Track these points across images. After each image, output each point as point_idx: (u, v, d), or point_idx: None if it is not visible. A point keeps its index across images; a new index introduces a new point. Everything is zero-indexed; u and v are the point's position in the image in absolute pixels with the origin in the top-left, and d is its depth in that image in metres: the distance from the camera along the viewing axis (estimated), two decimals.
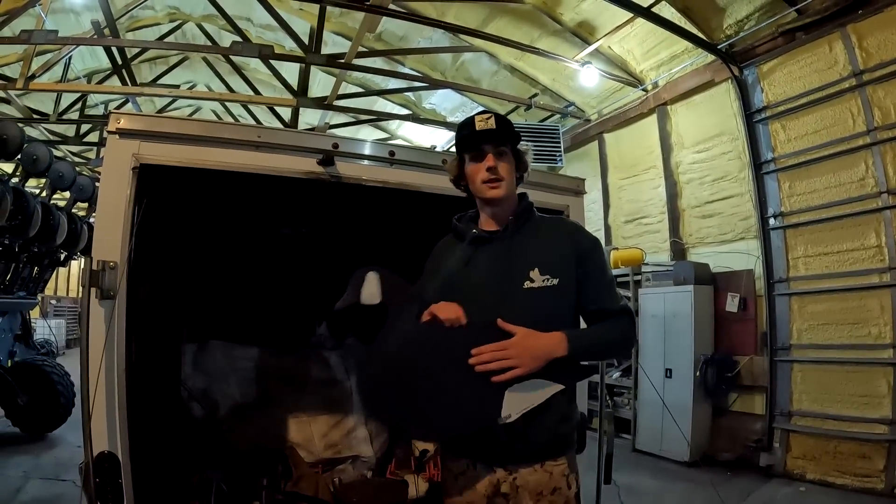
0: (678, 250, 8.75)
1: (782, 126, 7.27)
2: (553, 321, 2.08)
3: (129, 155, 2.35)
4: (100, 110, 12.62)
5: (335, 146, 2.63)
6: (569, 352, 2.02)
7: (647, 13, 7.33)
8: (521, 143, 2.27)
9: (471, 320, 2.08)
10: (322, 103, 10.09)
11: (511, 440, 2.09)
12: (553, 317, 2.10)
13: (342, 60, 8.76)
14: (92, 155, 14.37)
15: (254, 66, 12.07)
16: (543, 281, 2.11)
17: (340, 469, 4.03)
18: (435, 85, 10.67)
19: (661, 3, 7.31)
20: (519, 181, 2.30)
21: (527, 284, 2.11)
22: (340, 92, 10.04)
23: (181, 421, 3.80)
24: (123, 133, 2.37)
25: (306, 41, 8.78)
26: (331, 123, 12.03)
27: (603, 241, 6.97)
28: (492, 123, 2.16)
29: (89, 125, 12.25)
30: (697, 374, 7.53)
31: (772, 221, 7.33)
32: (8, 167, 8.97)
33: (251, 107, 13.79)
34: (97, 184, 8.35)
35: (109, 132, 2.37)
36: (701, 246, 8.54)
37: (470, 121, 2.21)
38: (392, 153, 2.78)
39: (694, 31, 7.62)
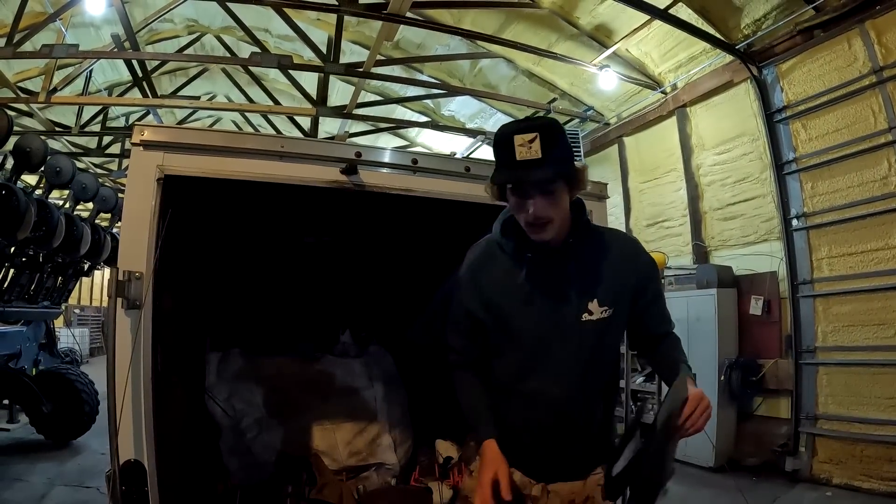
0: (700, 253, 8.66)
1: (803, 125, 7.17)
2: (602, 351, 2.01)
3: (154, 166, 2.35)
4: (121, 122, 12.82)
5: (358, 155, 2.63)
6: None
7: (664, 15, 7.29)
8: (577, 160, 1.89)
9: (524, 351, 1.99)
10: (341, 112, 10.16)
11: (554, 462, 2.04)
12: (603, 347, 2.01)
13: (360, 69, 8.81)
14: (114, 166, 14.57)
15: (273, 76, 12.22)
16: (602, 313, 1.94)
17: (364, 476, 4.04)
18: (453, 92, 10.70)
19: (678, 4, 7.26)
20: (573, 199, 1.96)
21: (584, 317, 1.94)
22: (359, 100, 10.09)
23: (206, 429, 3.82)
24: (147, 145, 2.38)
25: (324, 51, 8.86)
26: (350, 132, 12.08)
27: None
28: (536, 149, 1.71)
29: (111, 137, 12.44)
30: (722, 378, 7.43)
31: (795, 222, 7.22)
32: (32, 179, 9.07)
33: (271, 117, 13.90)
34: (120, 195, 8.46)
35: (133, 144, 2.38)
36: (723, 248, 8.44)
37: (508, 142, 1.75)
38: (415, 161, 2.77)
39: (711, 31, 7.55)
